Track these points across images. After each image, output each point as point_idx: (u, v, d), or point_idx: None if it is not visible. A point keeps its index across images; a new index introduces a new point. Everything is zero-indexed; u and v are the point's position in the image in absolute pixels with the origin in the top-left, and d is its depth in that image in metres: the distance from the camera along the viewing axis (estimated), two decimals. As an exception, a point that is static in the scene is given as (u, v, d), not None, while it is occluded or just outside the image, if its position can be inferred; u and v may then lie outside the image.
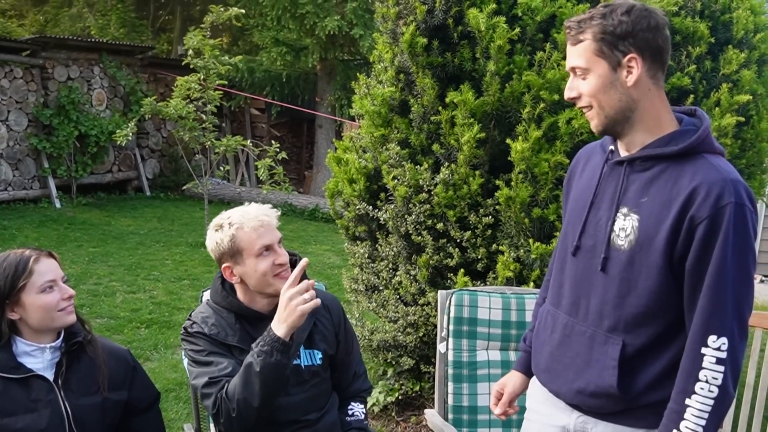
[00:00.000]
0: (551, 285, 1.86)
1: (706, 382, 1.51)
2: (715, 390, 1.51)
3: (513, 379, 2.00)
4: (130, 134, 7.93)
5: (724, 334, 1.51)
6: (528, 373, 1.96)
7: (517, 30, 3.00)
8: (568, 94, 1.65)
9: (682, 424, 1.53)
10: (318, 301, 1.97)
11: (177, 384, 4.08)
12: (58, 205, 9.74)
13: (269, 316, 2.09)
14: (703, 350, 1.52)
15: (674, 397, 1.56)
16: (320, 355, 2.17)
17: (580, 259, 1.72)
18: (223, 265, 2.09)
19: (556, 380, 1.77)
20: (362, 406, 2.34)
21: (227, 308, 2.12)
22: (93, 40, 11.60)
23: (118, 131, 8.06)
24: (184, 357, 2.17)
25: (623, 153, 1.66)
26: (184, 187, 8.59)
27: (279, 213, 2.15)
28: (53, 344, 1.99)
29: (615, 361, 1.62)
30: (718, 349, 1.51)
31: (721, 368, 1.51)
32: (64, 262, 2.11)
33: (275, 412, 2.10)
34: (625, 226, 1.61)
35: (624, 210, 1.62)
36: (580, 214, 1.72)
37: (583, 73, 1.60)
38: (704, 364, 1.52)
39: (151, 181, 11.61)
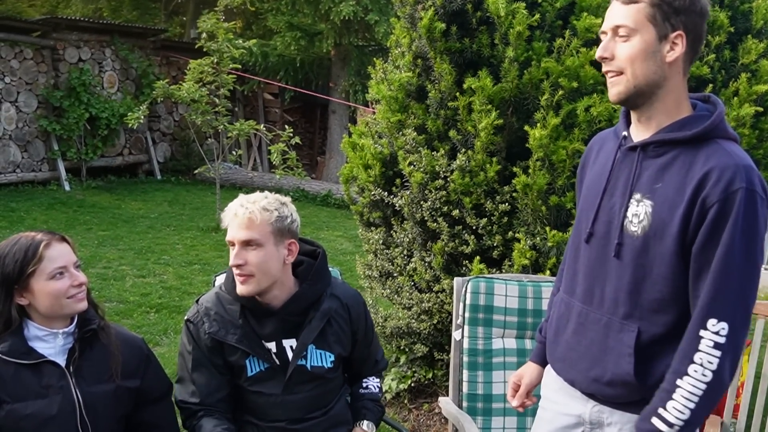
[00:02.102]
0: (565, 273, 1.85)
1: (701, 365, 1.49)
2: (709, 375, 1.49)
3: (530, 370, 1.99)
4: (142, 117, 7.93)
5: (725, 319, 1.49)
6: (544, 364, 1.95)
7: (537, 16, 2.97)
8: (600, 53, 1.61)
9: (669, 404, 1.52)
10: None
11: (188, 367, 4.09)
12: (67, 187, 9.76)
13: (277, 312, 2.05)
14: (702, 332, 1.50)
15: (667, 377, 1.55)
16: (332, 358, 2.12)
17: (594, 247, 1.71)
18: None
19: (572, 369, 1.76)
20: (378, 380, 2.32)
21: (235, 299, 2.06)
22: (105, 21, 11.59)
23: (129, 114, 8.06)
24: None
25: (637, 138, 1.65)
26: (196, 172, 8.58)
27: (269, 212, 1.98)
28: (66, 329, 1.95)
29: (631, 349, 1.61)
30: (717, 333, 1.49)
31: (718, 353, 1.48)
32: (72, 245, 2.08)
33: (276, 409, 2.08)
34: (638, 212, 1.60)
35: (637, 196, 1.61)
36: (594, 201, 1.71)
37: (628, 33, 1.56)
38: (700, 347, 1.50)
39: (162, 165, 11.62)
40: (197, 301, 2.15)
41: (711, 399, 1.51)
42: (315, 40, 11.40)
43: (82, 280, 1.95)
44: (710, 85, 3.13)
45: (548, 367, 1.90)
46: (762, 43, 3.25)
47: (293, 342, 2.07)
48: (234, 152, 9.36)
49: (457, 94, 3.12)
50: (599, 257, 1.69)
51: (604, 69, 1.63)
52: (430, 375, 3.68)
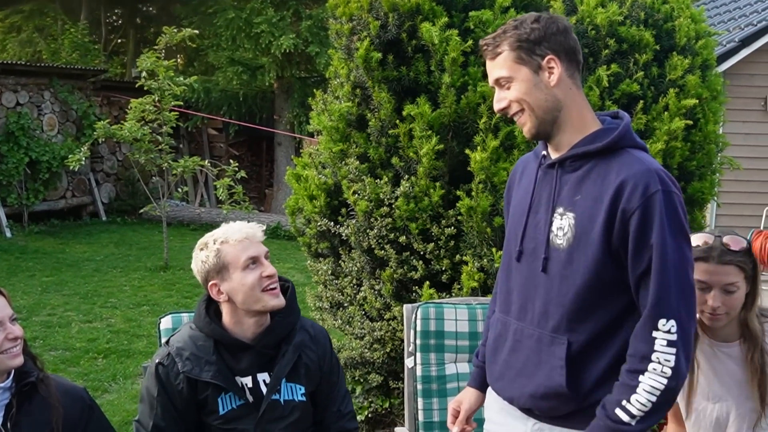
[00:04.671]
0: (499, 293, 1.89)
1: (659, 363, 1.56)
2: (669, 371, 1.56)
3: (468, 395, 1.99)
4: (83, 159, 7.78)
5: (673, 316, 1.55)
6: (482, 389, 1.97)
7: (470, 42, 3.03)
8: (497, 106, 1.71)
9: (633, 398, 1.57)
10: None
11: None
12: (8, 234, 9.48)
13: (252, 346, 2.05)
14: (654, 333, 1.56)
15: (626, 375, 1.60)
16: (302, 391, 2.11)
17: (524, 263, 1.76)
18: (210, 283, 2.05)
19: (509, 387, 1.79)
20: None
21: (208, 335, 2.05)
22: (42, 64, 11.39)
23: (70, 156, 7.90)
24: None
25: (554, 155, 1.72)
26: (142, 211, 8.43)
27: (264, 227, 2.14)
28: (2, 385, 1.88)
29: (562, 361, 1.65)
30: (668, 331, 1.56)
31: (673, 350, 1.55)
32: (15, 293, 2.03)
33: None
34: (563, 225, 1.66)
35: (560, 210, 1.67)
36: (520, 219, 1.77)
37: (508, 81, 1.67)
38: (656, 347, 1.56)
39: (107, 206, 11.39)
40: (167, 343, 2.11)
41: (672, 392, 1.58)
42: (257, 74, 11.40)
43: (17, 333, 1.89)
44: (641, 102, 3.22)
45: (489, 389, 1.91)
46: (687, 59, 3.37)
47: (266, 376, 2.07)
48: (180, 189, 9.24)
49: (397, 121, 3.14)
50: (529, 273, 1.74)
51: (509, 116, 1.72)
52: (387, 404, 3.65)
